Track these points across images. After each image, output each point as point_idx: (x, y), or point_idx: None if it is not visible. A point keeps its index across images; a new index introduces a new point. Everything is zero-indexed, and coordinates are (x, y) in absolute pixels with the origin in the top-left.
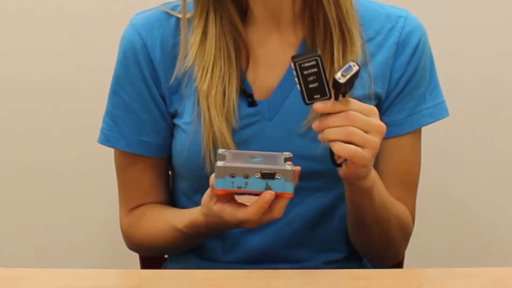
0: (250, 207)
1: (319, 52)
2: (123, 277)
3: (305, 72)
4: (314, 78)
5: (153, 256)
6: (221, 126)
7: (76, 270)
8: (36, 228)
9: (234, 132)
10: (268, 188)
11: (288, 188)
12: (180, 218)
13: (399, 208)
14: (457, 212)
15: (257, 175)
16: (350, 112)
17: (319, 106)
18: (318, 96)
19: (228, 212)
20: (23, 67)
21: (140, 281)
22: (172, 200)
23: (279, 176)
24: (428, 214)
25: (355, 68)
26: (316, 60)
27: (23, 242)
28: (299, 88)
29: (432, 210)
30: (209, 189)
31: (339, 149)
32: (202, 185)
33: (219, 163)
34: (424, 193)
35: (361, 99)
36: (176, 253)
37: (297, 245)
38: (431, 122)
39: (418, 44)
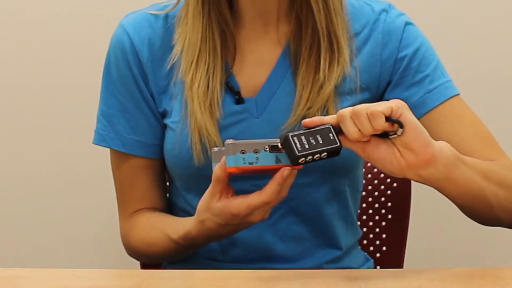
0: (266, 188)
1: (286, 134)
2: (123, 277)
3: (313, 151)
4: (317, 138)
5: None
6: (204, 118)
7: (76, 270)
8: (36, 228)
9: (221, 129)
10: (278, 161)
11: None
12: (175, 228)
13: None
14: (457, 212)
15: (266, 148)
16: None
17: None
18: (334, 133)
19: (237, 203)
20: (17, 67)
21: (140, 281)
22: (171, 201)
23: None
24: (428, 214)
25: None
26: (287, 139)
27: (23, 242)
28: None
29: (432, 210)
30: (209, 188)
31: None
32: (192, 183)
33: (229, 141)
34: (424, 193)
35: (348, 93)
36: (173, 260)
37: (292, 239)
38: (456, 95)
39: (404, 28)
